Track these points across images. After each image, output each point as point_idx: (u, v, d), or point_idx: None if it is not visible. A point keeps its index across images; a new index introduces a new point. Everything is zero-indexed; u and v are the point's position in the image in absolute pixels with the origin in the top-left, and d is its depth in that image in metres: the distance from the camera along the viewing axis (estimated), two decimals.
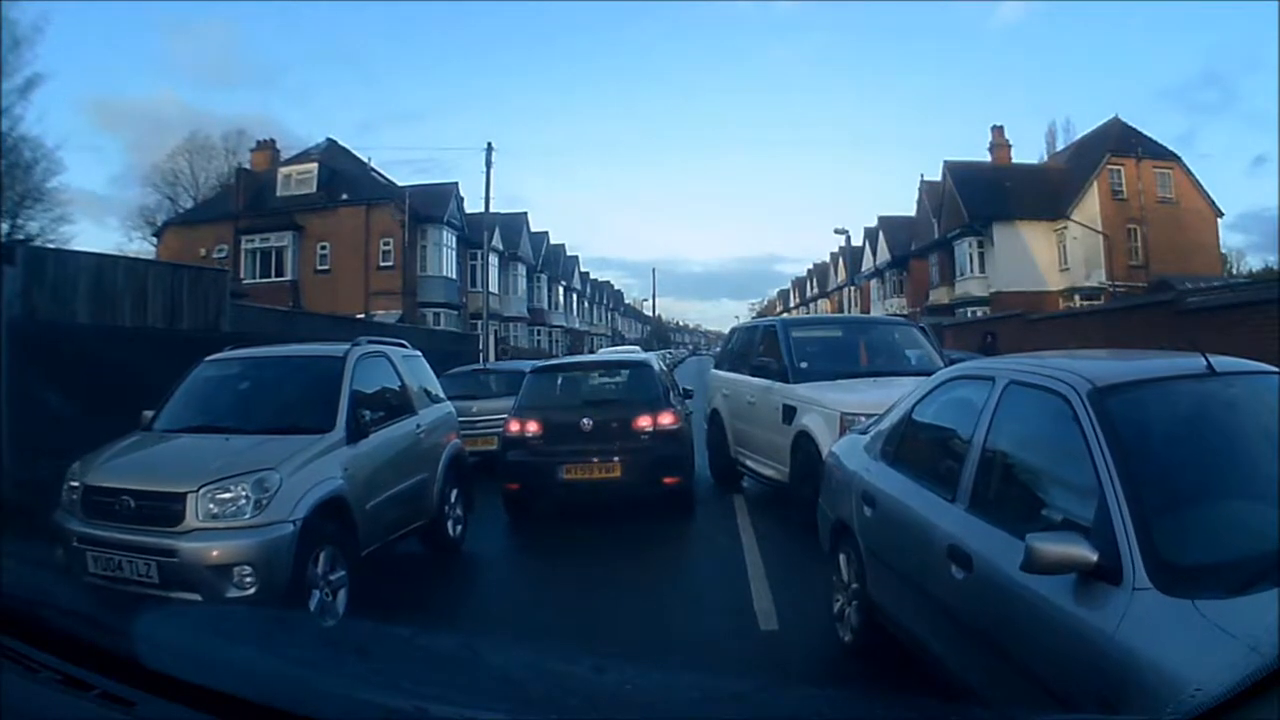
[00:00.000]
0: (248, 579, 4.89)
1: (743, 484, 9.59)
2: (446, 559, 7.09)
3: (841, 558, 4.47)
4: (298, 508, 5.10)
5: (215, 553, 4.90)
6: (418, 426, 6.82)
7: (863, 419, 6.64)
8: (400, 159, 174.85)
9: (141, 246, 42.29)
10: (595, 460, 8.03)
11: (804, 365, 8.13)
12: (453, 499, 7.36)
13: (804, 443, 7.31)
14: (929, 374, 8.08)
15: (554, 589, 6.28)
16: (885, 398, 7.07)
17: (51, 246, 23.58)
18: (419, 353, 7.69)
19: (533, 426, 8.30)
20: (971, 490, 3.29)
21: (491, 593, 6.56)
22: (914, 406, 4.04)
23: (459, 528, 7.46)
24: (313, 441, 5.58)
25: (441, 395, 7.78)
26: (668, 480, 8.13)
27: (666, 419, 8.30)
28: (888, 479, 3.93)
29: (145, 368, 8.21)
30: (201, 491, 4.98)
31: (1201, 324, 13.21)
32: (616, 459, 8.01)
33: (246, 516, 5.00)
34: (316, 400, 6.01)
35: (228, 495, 5.02)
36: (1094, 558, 2.47)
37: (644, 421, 8.21)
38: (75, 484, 5.32)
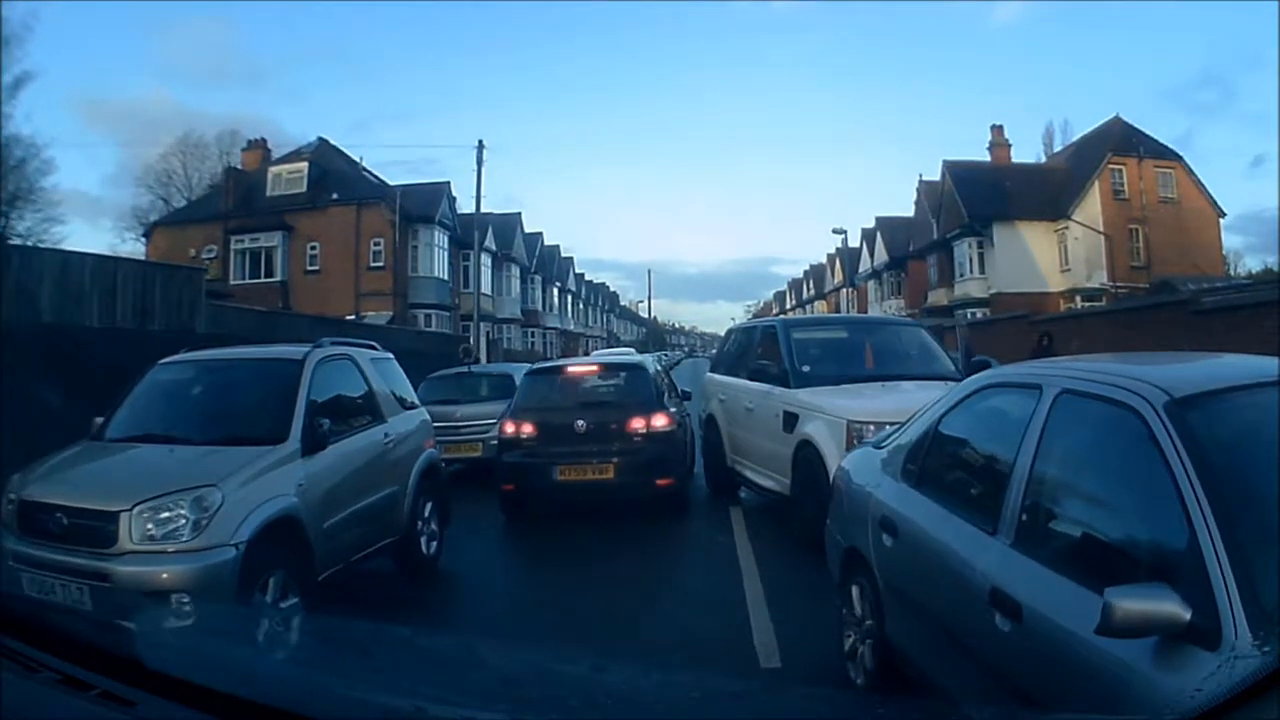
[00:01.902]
0: (186, 608, 4.36)
1: (740, 494, 9.03)
2: (418, 579, 6.52)
3: (854, 590, 3.90)
4: (241, 529, 4.58)
5: (149, 578, 4.42)
6: (386, 436, 6.25)
7: (871, 428, 6.15)
8: (394, 160, 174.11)
9: (134, 247, 41.77)
10: (589, 462, 8.04)
11: (806, 369, 7.56)
12: (426, 513, 6.80)
13: (807, 453, 6.76)
14: (941, 379, 7.63)
15: (533, 617, 5.70)
16: (895, 404, 6.56)
17: (37, 246, 23.08)
18: (390, 355, 7.12)
19: (528, 428, 8.31)
20: (1017, 523, 2.74)
21: (463, 620, 5.97)
22: (941, 418, 3.46)
23: (434, 544, 6.90)
24: (262, 454, 5.05)
25: (415, 400, 7.21)
26: (661, 482, 8.10)
27: (660, 421, 8.26)
28: (911, 503, 3.37)
29: (112, 370, 7.67)
30: (135, 510, 4.51)
31: (1216, 324, 12.82)
32: (610, 460, 8.02)
33: (184, 539, 4.51)
34: (269, 408, 5.48)
35: (164, 515, 4.54)
36: (1187, 616, 1.94)
37: (638, 423, 8.20)
38: (12, 497, 4.88)
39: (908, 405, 6.37)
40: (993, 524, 2.83)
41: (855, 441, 6.16)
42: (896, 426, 4.31)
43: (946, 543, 3.02)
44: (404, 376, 7.17)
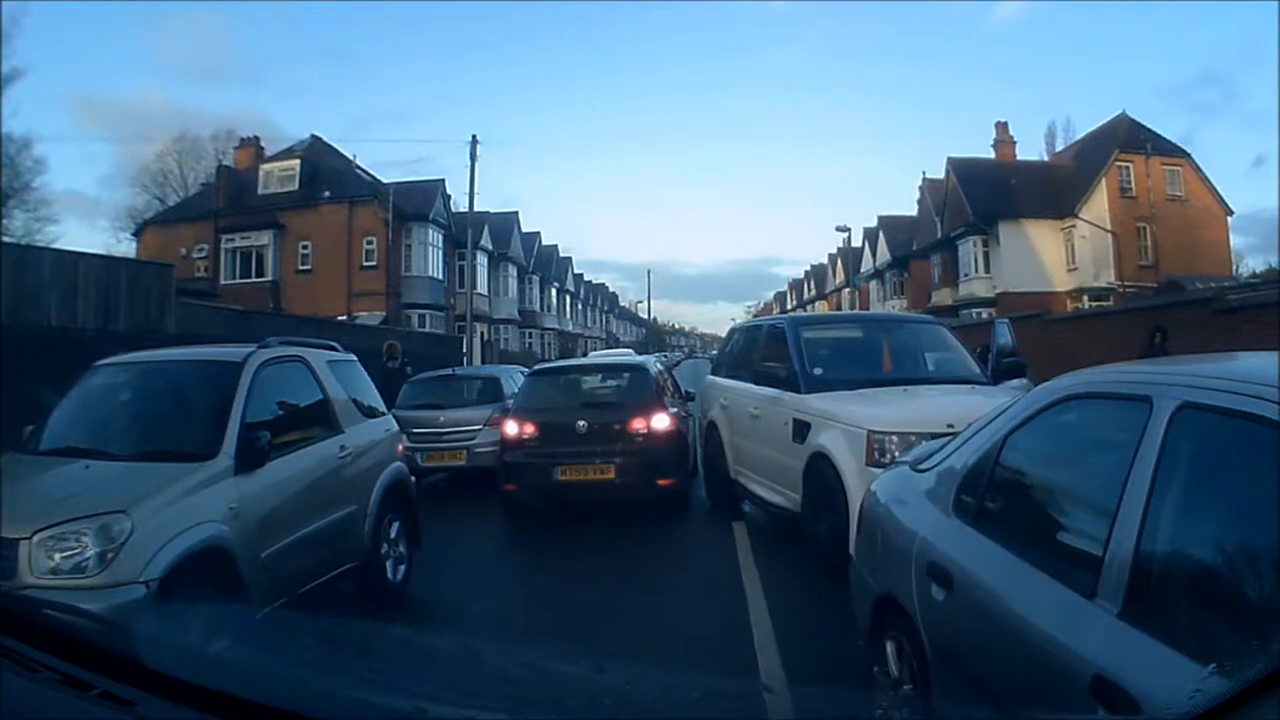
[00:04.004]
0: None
1: (743, 508, 8.28)
2: (383, 608, 5.75)
3: (889, 646, 3.16)
4: (153, 564, 3.88)
5: None
6: (342, 448, 5.50)
7: (895, 439, 5.42)
8: (392, 159, 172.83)
9: (129, 247, 41.18)
10: (590, 462, 8.06)
11: (818, 371, 6.76)
12: (393, 534, 6.04)
13: (820, 466, 5.98)
14: (968, 382, 6.90)
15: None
16: (921, 412, 5.82)
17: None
18: (353, 357, 6.34)
19: (529, 428, 8.33)
20: (1126, 584, 2.01)
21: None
22: (1006, 437, 2.71)
23: (401, 568, 6.14)
24: (187, 472, 4.34)
25: (380, 408, 6.41)
26: (662, 482, 8.09)
27: (661, 422, 8.24)
28: (970, 547, 2.62)
29: (69, 373, 6.94)
30: (35, 539, 3.86)
31: (1241, 323, 12.13)
32: (611, 461, 8.03)
33: (89, 574, 3.83)
34: (199, 418, 4.78)
35: (66, 544, 3.88)
36: None
37: (639, 424, 8.19)
38: None
39: (936, 413, 5.69)
40: (1090, 584, 2.10)
41: (876, 455, 5.45)
42: (935, 442, 3.59)
43: (1024, 607, 2.28)
44: (368, 380, 6.40)
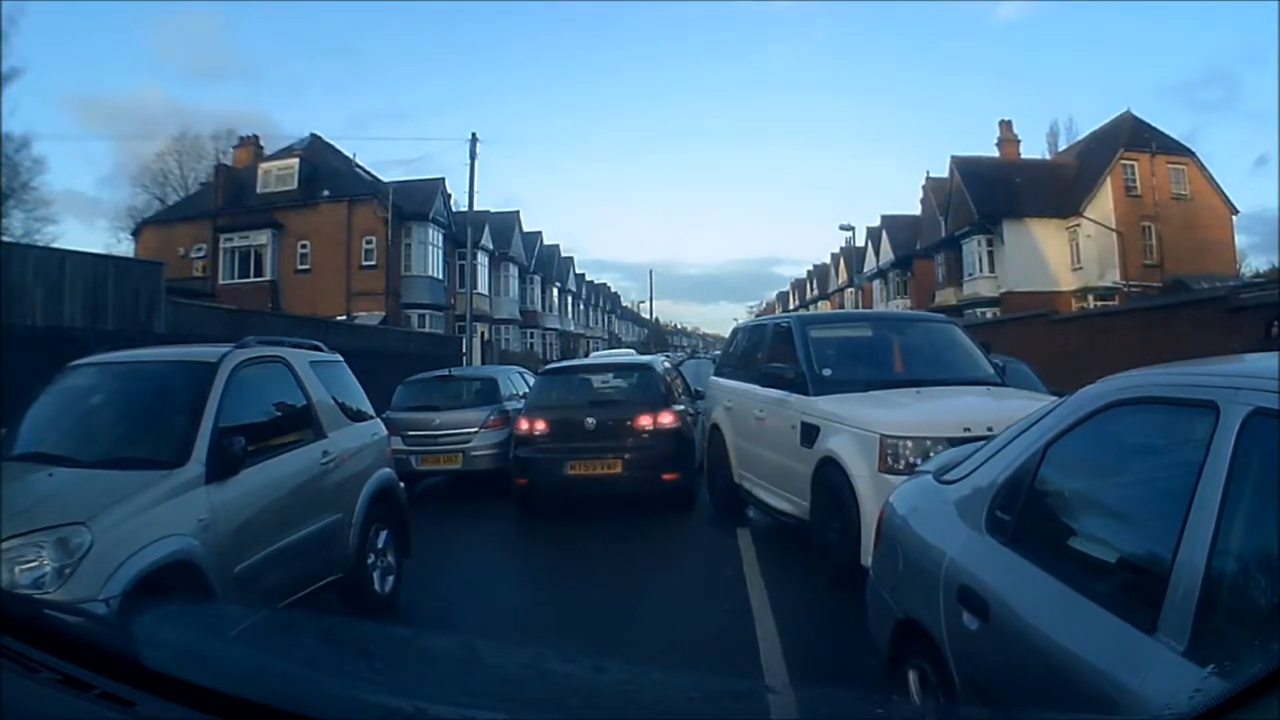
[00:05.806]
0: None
1: (748, 513, 8.00)
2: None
3: (912, 675, 2.88)
4: (114, 580, 3.60)
5: None
6: (325, 454, 5.21)
7: (909, 444, 5.15)
8: (392, 159, 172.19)
9: (128, 248, 40.94)
10: (599, 457, 8.37)
11: (827, 372, 6.47)
12: (380, 544, 5.76)
13: (830, 472, 5.70)
14: (982, 384, 6.62)
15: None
16: (935, 415, 5.53)
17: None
18: (338, 357, 6.04)
19: (541, 425, 8.67)
20: (1193, 619, 1.74)
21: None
22: (1046, 448, 2.42)
23: (390, 579, 5.85)
24: (154, 480, 4.06)
25: (367, 410, 6.12)
26: (667, 477, 8.37)
27: (666, 419, 8.55)
28: (1007, 571, 2.34)
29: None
30: None
31: (1254, 323, 11.85)
32: (619, 456, 8.33)
33: (46, 590, 3.55)
34: (169, 422, 4.50)
35: (25, 558, 3.61)
36: None
37: (645, 421, 8.49)
38: None
39: (951, 416, 5.41)
40: (1150, 617, 1.82)
41: (889, 460, 5.17)
42: (959, 449, 3.32)
43: (1071, 641, 1.99)
44: (354, 382, 6.10)
